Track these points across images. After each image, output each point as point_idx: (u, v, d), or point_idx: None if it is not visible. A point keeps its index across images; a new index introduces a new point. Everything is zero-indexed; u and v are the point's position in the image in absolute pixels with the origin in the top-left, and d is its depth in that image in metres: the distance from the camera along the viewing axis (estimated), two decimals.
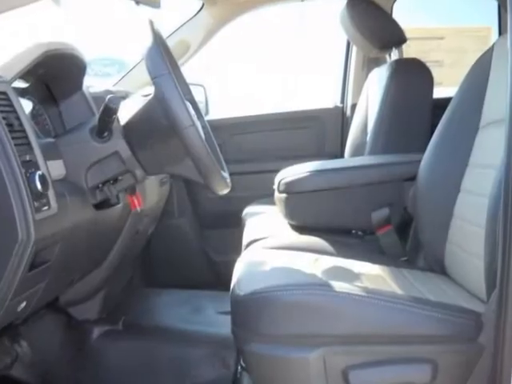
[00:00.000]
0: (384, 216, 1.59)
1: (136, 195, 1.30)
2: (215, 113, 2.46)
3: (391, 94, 1.89)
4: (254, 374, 1.14)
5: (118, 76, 2.21)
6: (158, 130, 1.10)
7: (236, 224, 2.03)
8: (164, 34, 1.24)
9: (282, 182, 1.68)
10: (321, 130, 2.43)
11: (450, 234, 1.29)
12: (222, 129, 2.32)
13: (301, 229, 1.65)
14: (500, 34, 2.33)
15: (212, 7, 2.13)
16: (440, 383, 1.04)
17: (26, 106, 1.26)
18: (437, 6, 3.00)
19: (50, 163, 1.06)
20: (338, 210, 1.64)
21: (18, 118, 1.00)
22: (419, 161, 1.42)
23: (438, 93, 1.99)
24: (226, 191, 1.16)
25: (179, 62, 1.55)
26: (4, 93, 0.99)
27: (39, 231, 0.96)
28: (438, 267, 1.34)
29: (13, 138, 0.95)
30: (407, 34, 2.06)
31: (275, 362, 1.07)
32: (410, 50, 2.35)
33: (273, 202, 1.81)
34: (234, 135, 2.39)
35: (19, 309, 1.07)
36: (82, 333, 1.71)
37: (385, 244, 1.58)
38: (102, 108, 1.10)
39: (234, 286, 1.17)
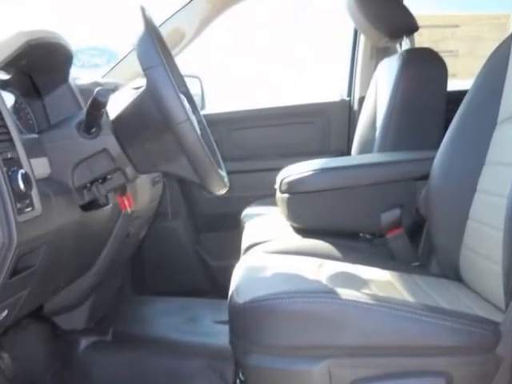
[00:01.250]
0: (394, 218, 1.59)
1: (126, 195, 1.30)
2: (212, 106, 2.46)
3: (402, 87, 1.89)
4: None
5: (106, 67, 2.21)
6: (150, 125, 1.10)
7: (234, 226, 2.03)
8: (157, 21, 1.24)
9: (284, 181, 1.68)
10: (326, 126, 2.43)
11: (466, 237, 1.29)
12: (219, 124, 2.32)
13: (304, 232, 1.66)
14: None
15: None
16: None
17: (8, 99, 1.25)
18: None
19: (34, 161, 1.06)
20: (344, 211, 1.64)
21: None
22: (432, 158, 1.42)
23: (453, 85, 1.99)
24: (223, 191, 1.16)
25: (173, 52, 1.56)
26: None
27: (22, 234, 0.96)
28: (453, 273, 1.34)
29: None
30: (419, 22, 2.06)
31: (277, 375, 1.07)
32: (422, 39, 2.36)
33: (274, 203, 1.81)
34: (232, 131, 2.39)
35: (0, 318, 1.07)
36: (68, 344, 1.71)
37: (395, 248, 1.58)
38: (89, 101, 1.10)
39: (232, 294, 1.17)
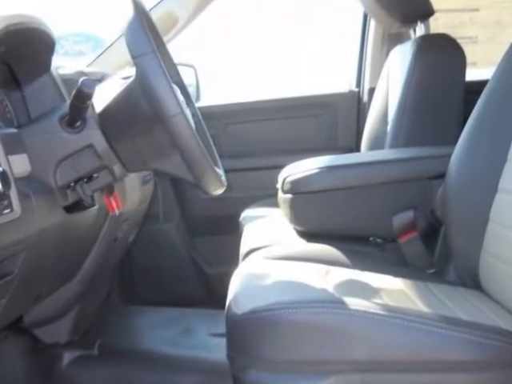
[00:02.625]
0: (407, 220, 1.59)
1: (114, 196, 1.30)
2: (208, 98, 2.46)
3: (416, 77, 1.89)
4: None
5: (92, 55, 2.21)
6: (140, 118, 1.10)
7: (232, 230, 2.03)
8: (148, 4, 1.24)
9: (287, 180, 1.69)
10: (333, 119, 2.43)
11: (486, 241, 1.29)
12: (215, 117, 2.32)
13: (309, 235, 1.66)
14: None
15: None
16: None
17: None
18: None
19: (12, 158, 1.06)
20: (352, 213, 1.65)
21: None
22: (449, 155, 1.42)
23: (472, 75, 1.99)
24: (220, 191, 1.16)
25: (165, 39, 1.56)
26: None
27: None
28: (471, 281, 1.34)
29: None
30: (435, 5, 2.06)
31: None
32: (438, 24, 2.36)
33: (276, 204, 1.81)
34: (229, 125, 2.39)
35: None
36: (51, 358, 1.71)
37: (408, 253, 1.59)
38: (73, 93, 1.10)
39: (229, 304, 1.17)
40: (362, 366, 1.05)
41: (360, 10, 2.44)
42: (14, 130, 1.17)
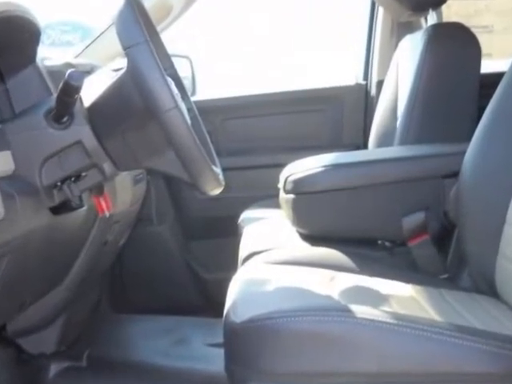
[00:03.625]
0: (418, 222, 1.59)
1: (104, 196, 1.30)
2: (204, 92, 2.46)
3: (427, 68, 1.89)
4: None
5: (81, 45, 2.21)
6: (131, 113, 1.10)
7: (231, 232, 2.03)
8: None
9: (289, 179, 1.69)
10: (338, 114, 2.43)
11: (502, 245, 1.29)
12: (212, 112, 2.33)
13: (313, 238, 1.66)
14: None
15: None
16: None
17: None
18: None
19: None
20: (359, 214, 1.65)
21: None
22: (463, 153, 1.42)
23: (487, 67, 1.99)
24: (217, 191, 1.17)
25: (159, 28, 1.56)
26: None
27: None
28: (487, 287, 1.34)
29: None
30: None
31: None
32: (451, 13, 2.36)
33: (277, 205, 1.81)
34: (227, 120, 2.39)
35: None
36: (36, 370, 1.71)
37: (419, 258, 1.59)
38: (60, 86, 1.10)
39: (228, 312, 1.17)
40: (370, 379, 1.05)
41: None
42: None
